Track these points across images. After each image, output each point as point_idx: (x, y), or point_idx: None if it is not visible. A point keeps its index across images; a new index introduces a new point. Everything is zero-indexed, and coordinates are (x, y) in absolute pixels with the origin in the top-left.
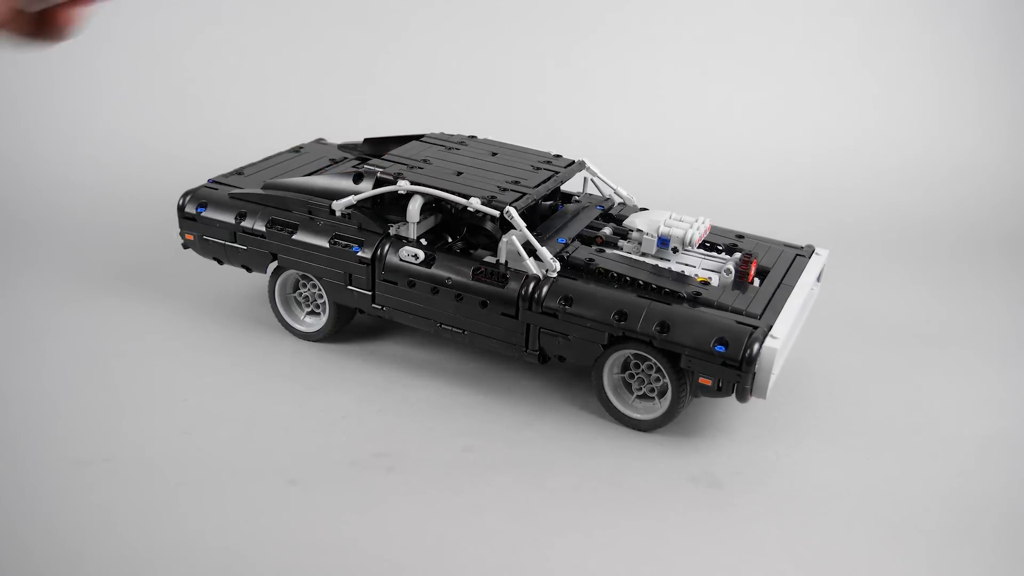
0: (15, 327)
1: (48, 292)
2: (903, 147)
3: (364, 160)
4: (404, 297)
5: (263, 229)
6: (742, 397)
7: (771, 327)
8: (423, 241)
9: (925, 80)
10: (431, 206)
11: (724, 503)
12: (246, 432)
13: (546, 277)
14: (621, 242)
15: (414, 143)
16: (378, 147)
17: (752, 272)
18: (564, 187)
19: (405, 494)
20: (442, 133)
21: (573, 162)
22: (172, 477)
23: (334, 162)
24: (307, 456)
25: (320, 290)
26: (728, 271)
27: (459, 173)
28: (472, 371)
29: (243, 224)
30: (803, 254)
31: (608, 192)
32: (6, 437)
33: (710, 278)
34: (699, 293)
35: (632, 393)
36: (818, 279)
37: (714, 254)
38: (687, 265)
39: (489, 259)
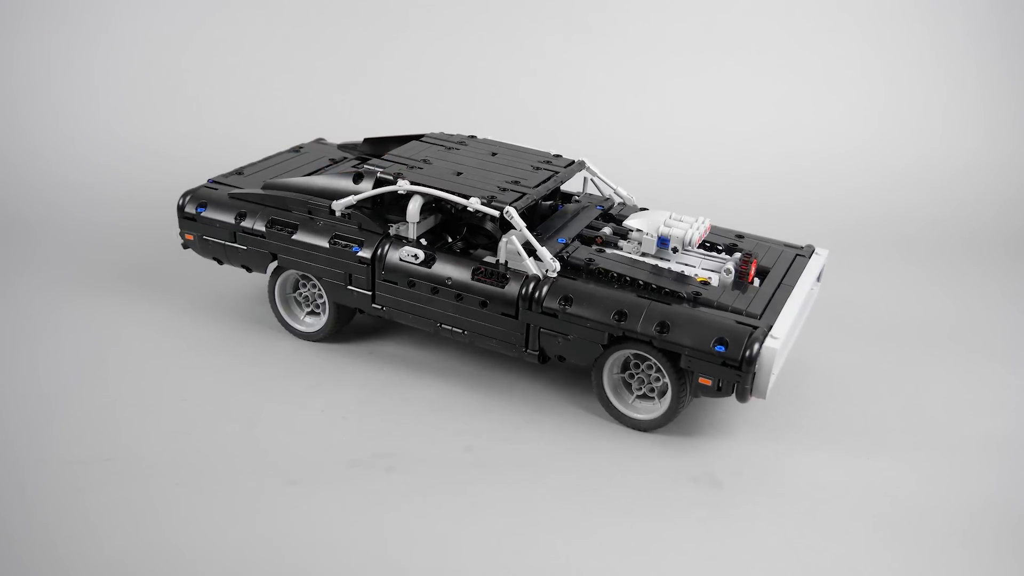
0: (14, 327)
1: (48, 292)
2: (904, 147)
3: (364, 160)
4: (404, 297)
5: (263, 229)
6: (742, 397)
7: (771, 327)
8: (423, 241)
9: (927, 81)
10: (431, 206)
11: (724, 503)
12: (246, 432)
13: (546, 277)
14: (621, 242)
15: (414, 143)
16: (378, 147)
17: (752, 272)
18: (564, 187)
19: (405, 494)
20: (442, 133)
21: (573, 162)
22: (172, 477)
23: (334, 162)
24: (307, 456)
25: (320, 290)
26: (728, 271)
27: (459, 173)
28: (472, 371)
29: (243, 224)
30: (803, 254)
31: (608, 192)
32: (6, 437)
33: (710, 278)
34: (699, 293)
35: (632, 393)
36: (818, 279)
37: (714, 254)
38: (687, 265)
39: (489, 259)
